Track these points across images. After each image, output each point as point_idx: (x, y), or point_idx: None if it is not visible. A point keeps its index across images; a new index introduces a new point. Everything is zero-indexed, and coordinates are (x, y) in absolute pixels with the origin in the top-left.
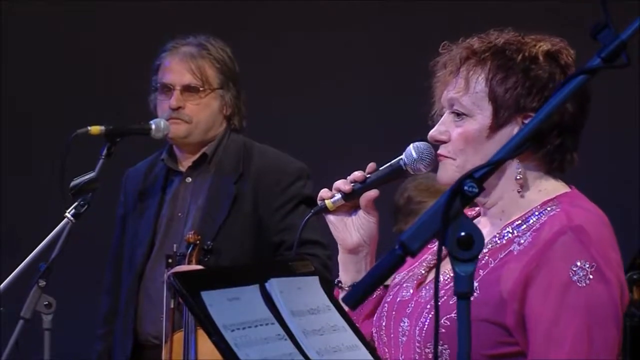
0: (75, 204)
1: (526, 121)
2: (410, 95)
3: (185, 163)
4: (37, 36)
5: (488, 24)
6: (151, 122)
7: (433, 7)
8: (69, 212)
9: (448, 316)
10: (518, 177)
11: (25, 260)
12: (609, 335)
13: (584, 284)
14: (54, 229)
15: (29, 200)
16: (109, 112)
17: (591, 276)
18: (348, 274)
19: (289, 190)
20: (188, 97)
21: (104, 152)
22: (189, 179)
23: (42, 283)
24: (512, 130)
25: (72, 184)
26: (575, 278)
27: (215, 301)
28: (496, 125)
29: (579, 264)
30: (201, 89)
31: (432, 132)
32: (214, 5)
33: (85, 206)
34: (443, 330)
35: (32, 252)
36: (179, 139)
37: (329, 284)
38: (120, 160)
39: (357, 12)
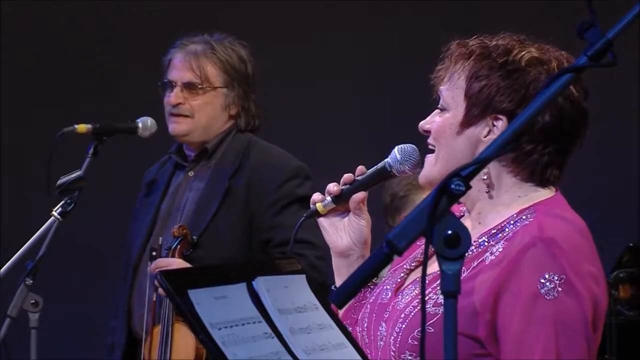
0: (62, 202)
1: (495, 122)
2: (412, 96)
3: (189, 157)
4: (37, 36)
5: (488, 24)
6: (138, 120)
7: (432, 8)
8: (55, 211)
9: (419, 329)
10: (484, 177)
11: (12, 259)
12: (578, 348)
13: (552, 297)
14: (40, 227)
15: (15, 198)
16: (104, 113)
17: (560, 289)
18: (341, 277)
19: (282, 189)
20: (188, 94)
21: (91, 150)
22: (191, 173)
23: (29, 281)
24: (481, 130)
25: (59, 182)
26: (544, 291)
27: (203, 299)
28: (466, 122)
29: (547, 276)
30: (200, 86)
31: (420, 123)
32: (214, 5)
33: (72, 205)
34: (415, 343)
35: (19, 250)
36: (180, 137)
37: (316, 284)
38: (108, 159)
39: (355, 13)
